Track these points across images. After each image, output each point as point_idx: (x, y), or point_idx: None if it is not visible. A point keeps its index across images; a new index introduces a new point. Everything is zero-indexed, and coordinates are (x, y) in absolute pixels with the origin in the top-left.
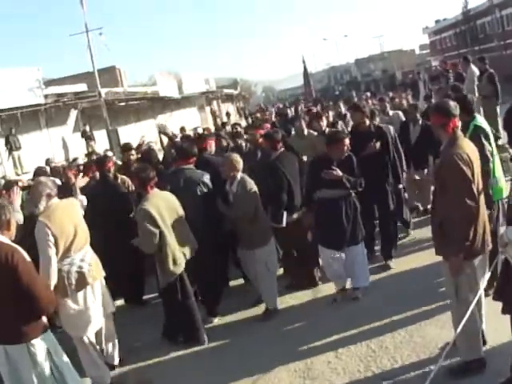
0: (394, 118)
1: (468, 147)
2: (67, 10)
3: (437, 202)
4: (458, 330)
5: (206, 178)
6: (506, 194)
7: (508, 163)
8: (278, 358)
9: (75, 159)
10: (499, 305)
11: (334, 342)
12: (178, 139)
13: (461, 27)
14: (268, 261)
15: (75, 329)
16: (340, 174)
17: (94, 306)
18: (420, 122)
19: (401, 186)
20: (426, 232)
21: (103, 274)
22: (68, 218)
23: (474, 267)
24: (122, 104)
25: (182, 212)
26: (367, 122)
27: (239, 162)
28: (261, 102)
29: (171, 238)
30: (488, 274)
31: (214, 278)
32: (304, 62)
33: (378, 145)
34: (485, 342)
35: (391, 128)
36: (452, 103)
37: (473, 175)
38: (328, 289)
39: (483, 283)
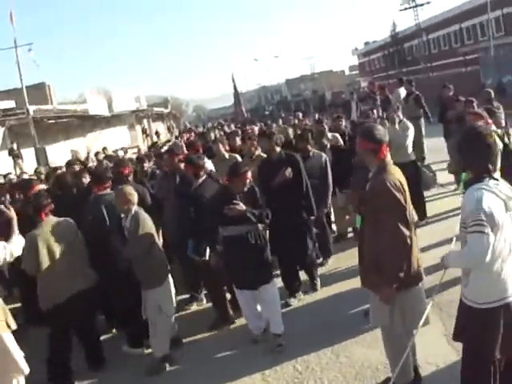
0: (333, 140)
1: (398, 174)
2: None
3: (366, 231)
4: (396, 371)
5: None
6: None
7: None
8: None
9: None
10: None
11: (261, 364)
12: (93, 163)
13: (389, 49)
14: (162, 304)
15: None
16: (243, 208)
17: None
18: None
19: (313, 218)
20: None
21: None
22: None
23: (408, 298)
24: (51, 122)
25: (78, 242)
26: (277, 148)
27: (133, 194)
28: (186, 122)
29: (54, 269)
30: (427, 307)
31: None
32: (234, 80)
33: (289, 172)
34: (417, 375)
35: (324, 156)
36: (381, 128)
37: (405, 201)
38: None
39: (417, 318)
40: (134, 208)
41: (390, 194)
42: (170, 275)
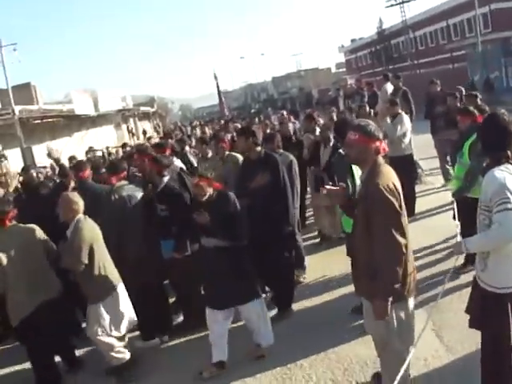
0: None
1: (392, 175)
2: None
3: (358, 235)
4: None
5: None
6: None
7: None
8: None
9: None
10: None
11: (249, 361)
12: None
13: (376, 46)
14: (103, 322)
15: None
16: (205, 218)
17: None
18: (332, 142)
19: (290, 228)
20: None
21: None
22: None
23: (405, 311)
24: (37, 122)
25: (38, 250)
26: (257, 148)
27: (77, 202)
28: (178, 122)
29: (16, 280)
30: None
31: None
32: (216, 78)
33: (262, 178)
34: None
35: (290, 156)
36: (373, 124)
37: (400, 207)
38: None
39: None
40: (78, 217)
41: (384, 199)
42: (119, 292)
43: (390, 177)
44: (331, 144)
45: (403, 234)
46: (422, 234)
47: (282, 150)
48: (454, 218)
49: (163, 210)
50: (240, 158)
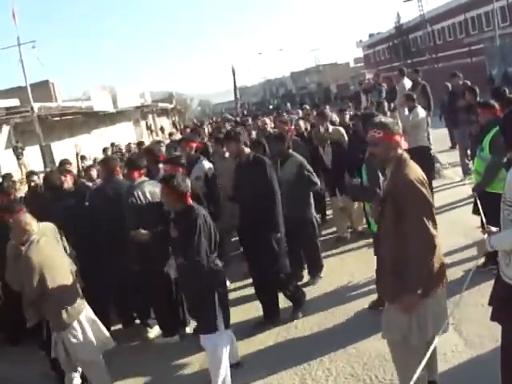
0: (335, 133)
1: (418, 168)
2: None
3: (385, 234)
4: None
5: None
6: None
7: None
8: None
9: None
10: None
11: (269, 357)
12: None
13: (394, 41)
14: (71, 350)
15: None
16: (174, 233)
17: None
18: (329, 143)
19: (279, 235)
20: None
21: None
22: None
23: (431, 304)
24: (56, 119)
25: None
26: (246, 150)
27: (30, 223)
28: (194, 119)
29: None
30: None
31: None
32: (234, 73)
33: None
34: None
35: (300, 159)
36: (391, 119)
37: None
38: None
39: (440, 323)
40: (32, 237)
41: (416, 191)
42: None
43: (417, 170)
44: (329, 145)
45: (435, 226)
46: (441, 228)
47: (292, 152)
48: (474, 212)
49: None
50: None
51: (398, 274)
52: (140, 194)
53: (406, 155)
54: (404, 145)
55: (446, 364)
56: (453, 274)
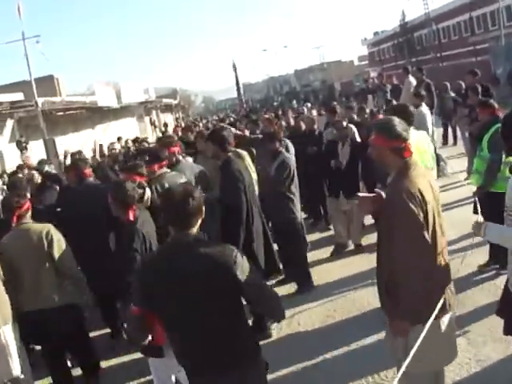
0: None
1: (421, 180)
2: (3, 18)
3: (381, 250)
4: None
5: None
6: None
7: None
8: None
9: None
10: None
11: (273, 356)
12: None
13: (398, 39)
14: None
15: None
16: (112, 245)
17: None
18: (349, 141)
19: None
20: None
21: None
22: None
23: (433, 332)
24: (60, 114)
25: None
26: (224, 154)
27: None
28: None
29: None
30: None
31: None
32: (235, 68)
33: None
34: None
35: (289, 156)
36: (399, 122)
37: (426, 217)
38: None
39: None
40: None
41: (405, 209)
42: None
43: (417, 182)
44: (349, 142)
45: (426, 249)
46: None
47: (283, 150)
48: (475, 212)
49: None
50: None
51: (390, 294)
52: (159, 187)
53: (410, 164)
54: (408, 151)
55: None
56: (456, 272)
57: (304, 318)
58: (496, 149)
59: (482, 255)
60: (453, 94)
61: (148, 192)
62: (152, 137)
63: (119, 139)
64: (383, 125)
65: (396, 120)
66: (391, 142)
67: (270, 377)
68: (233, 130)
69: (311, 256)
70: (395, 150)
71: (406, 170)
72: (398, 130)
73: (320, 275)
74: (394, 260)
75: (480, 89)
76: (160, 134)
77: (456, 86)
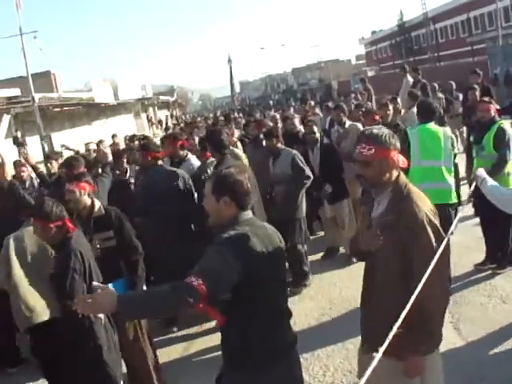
0: (351, 130)
1: (422, 195)
2: (0, 12)
3: (385, 280)
4: None
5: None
6: None
7: None
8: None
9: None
10: None
11: None
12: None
13: (396, 39)
14: None
15: None
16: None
17: None
18: (318, 144)
19: None
20: None
21: None
22: None
23: (434, 364)
24: (57, 110)
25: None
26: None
27: None
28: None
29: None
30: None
31: None
32: (230, 61)
33: None
34: None
35: (293, 152)
36: (386, 130)
37: (439, 236)
38: None
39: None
40: None
41: (425, 235)
42: None
43: (424, 198)
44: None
45: (446, 275)
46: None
47: (283, 146)
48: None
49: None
50: (240, 155)
51: (411, 328)
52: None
53: (404, 179)
54: (402, 163)
55: (443, 361)
56: (453, 271)
57: (299, 317)
58: (503, 145)
59: (478, 254)
60: (441, 95)
61: (97, 203)
62: (149, 133)
63: (113, 136)
64: (377, 135)
65: (384, 128)
66: (390, 153)
67: None
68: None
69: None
70: (394, 163)
71: (405, 187)
72: (391, 137)
73: (316, 273)
74: (412, 285)
75: (480, 89)
76: (159, 132)
77: (448, 87)
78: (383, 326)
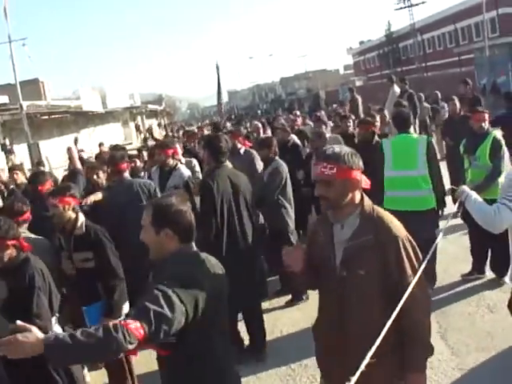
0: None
1: (393, 217)
2: None
3: (366, 304)
4: None
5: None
6: None
7: None
8: None
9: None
10: None
11: (252, 361)
12: None
13: (384, 49)
14: None
15: None
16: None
17: None
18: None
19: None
20: None
21: None
22: None
23: None
24: (45, 117)
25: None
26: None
27: None
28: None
29: None
30: None
31: None
32: (218, 68)
33: None
34: None
35: (283, 164)
36: (347, 148)
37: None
38: None
39: None
40: None
41: (409, 252)
42: None
43: (393, 218)
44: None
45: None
46: None
47: (277, 158)
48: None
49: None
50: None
51: (407, 346)
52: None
53: (369, 201)
54: (365, 183)
55: (431, 371)
56: (441, 280)
57: (287, 327)
58: (498, 156)
59: (465, 264)
60: (427, 105)
61: (81, 217)
62: (137, 142)
63: (100, 145)
64: (338, 154)
65: (344, 146)
66: (352, 172)
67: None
68: None
69: None
70: (357, 183)
71: (372, 209)
72: (352, 156)
73: None
74: (394, 304)
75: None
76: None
77: (433, 96)
78: (368, 347)
